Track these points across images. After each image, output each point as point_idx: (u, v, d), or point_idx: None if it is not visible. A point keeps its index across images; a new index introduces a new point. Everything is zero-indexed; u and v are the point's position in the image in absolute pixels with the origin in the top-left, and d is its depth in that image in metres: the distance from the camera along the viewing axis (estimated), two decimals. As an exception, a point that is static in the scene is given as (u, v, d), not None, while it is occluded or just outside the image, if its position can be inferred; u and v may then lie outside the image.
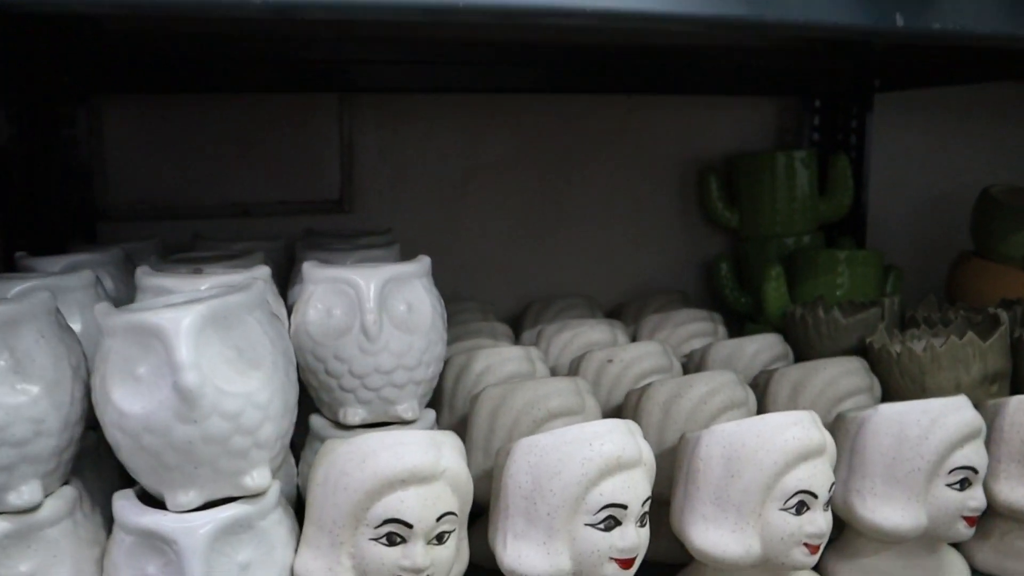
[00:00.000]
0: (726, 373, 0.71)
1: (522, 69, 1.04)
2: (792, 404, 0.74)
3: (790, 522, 0.58)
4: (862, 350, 0.84)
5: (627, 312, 1.07)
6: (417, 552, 0.52)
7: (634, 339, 0.93)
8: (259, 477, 0.52)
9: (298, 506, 0.63)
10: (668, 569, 0.66)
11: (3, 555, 0.49)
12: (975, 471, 0.64)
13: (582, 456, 0.54)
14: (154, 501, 0.52)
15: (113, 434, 0.50)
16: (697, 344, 0.91)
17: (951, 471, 0.63)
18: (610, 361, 0.78)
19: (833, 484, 0.59)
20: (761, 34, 0.96)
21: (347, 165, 1.05)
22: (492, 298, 1.07)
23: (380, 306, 0.62)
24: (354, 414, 0.64)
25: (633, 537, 0.55)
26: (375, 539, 0.52)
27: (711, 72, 1.13)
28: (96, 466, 0.60)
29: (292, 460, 0.66)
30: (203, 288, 0.58)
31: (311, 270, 0.65)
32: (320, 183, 1.05)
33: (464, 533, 0.58)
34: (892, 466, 0.64)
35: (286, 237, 0.90)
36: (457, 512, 0.55)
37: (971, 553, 0.71)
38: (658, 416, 0.68)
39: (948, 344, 0.76)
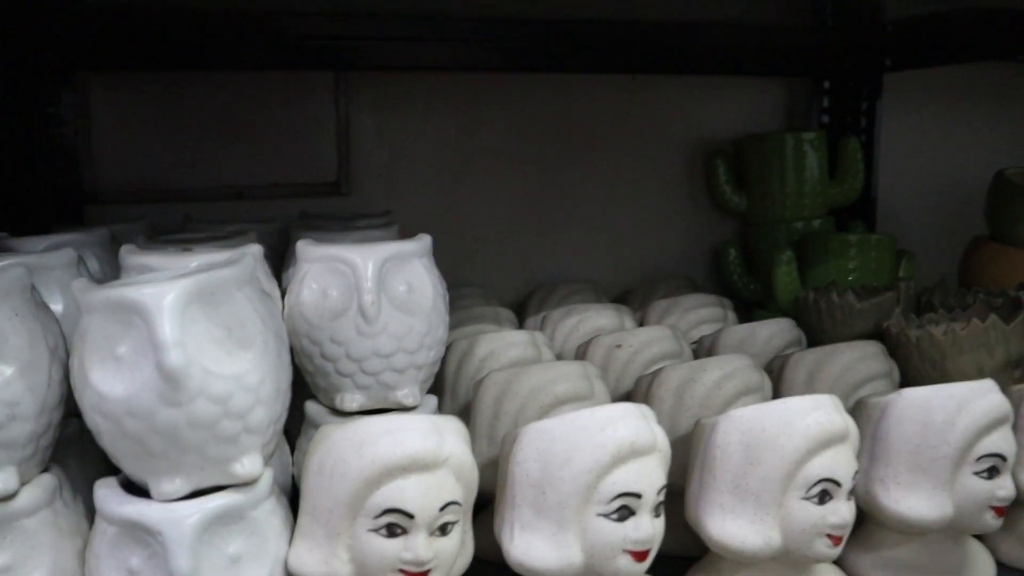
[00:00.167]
0: (741, 357, 0.68)
1: (524, 47, 1.01)
2: (809, 390, 0.71)
3: (812, 512, 0.55)
4: (877, 336, 0.81)
5: (633, 298, 1.04)
6: (419, 544, 0.49)
7: (642, 325, 0.90)
8: (250, 464, 0.49)
9: (293, 498, 0.59)
10: (680, 562, 0.63)
11: (-25, 548, 0.45)
12: (1003, 459, 0.61)
13: (594, 442, 0.51)
14: (139, 490, 0.49)
15: (93, 419, 0.47)
16: (707, 330, 0.88)
17: (979, 459, 0.60)
18: (618, 346, 0.75)
19: (857, 472, 0.56)
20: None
21: (344, 146, 1.02)
22: (494, 284, 1.04)
23: (379, 286, 0.59)
24: (352, 400, 0.61)
25: (648, 528, 0.52)
26: (374, 530, 0.49)
27: (718, 51, 1.10)
28: (80, 455, 0.57)
29: (287, 449, 0.63)
30: (192, 266, 0.55)
31: (305, 248, 0.61)
32: (316, 165, 1.02)
33: (468, 525, 0.55)
34: (917, 454, 0.60)
35: (281, 220, 0.87)
36: (461, 502, 0.51)
37: (995, 545, 0.68)
38: (671, 402, 0.65)
39: (970, 328, 0.73)
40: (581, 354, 0.77)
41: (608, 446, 0.51)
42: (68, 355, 0.50)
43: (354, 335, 0.59)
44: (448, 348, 0.72)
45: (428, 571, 0.50)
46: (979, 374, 0.73)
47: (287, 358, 0.53)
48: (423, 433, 0.50)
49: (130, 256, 0.57)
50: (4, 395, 0.45)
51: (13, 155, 0.88)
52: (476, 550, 0.56)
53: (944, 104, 1.24)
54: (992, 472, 0.61)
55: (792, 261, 1.04)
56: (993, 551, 0.67)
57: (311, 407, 0.64)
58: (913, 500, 0.60)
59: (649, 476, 0.52)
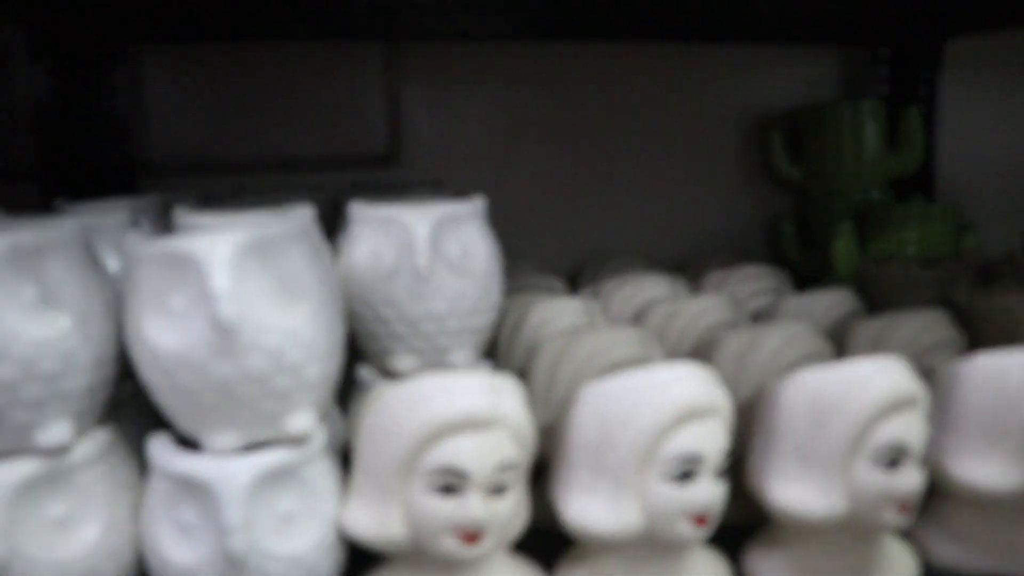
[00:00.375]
0: (802, 323, 0.66)
1: (574, 15, 0.99)
2: (874, 358, 0.69)
3: (880, 480, 0.53)
4: (942, 307, 0.78)
5: (687, 272, 1.01)
6: (473, 504, 0.48)
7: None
8: (303, 420, 0.48)
9: (345, 465, 0.59)
10: (736, 533, 0.61)
11: (33, 498, 0.45)
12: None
13: (655, 402, 0.50)
14: (193, 447, 0.48)
15: (147, 373, 0.47)
16: (764, 301, 0.85)
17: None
18: (674, 315, 0.73)
19: (927, 439, 0.54)
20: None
21: (393, 117, 1.01)
22: (545, 256, 1.02)
23: (432, 248, 0.58)
24: (404, 362, 0.60)
25: (710, 492, 0.50)
26: (428, 489, 0.48)
27: (771, 19, 1.06)
28: (136, 415, 0.57)
29: (339, 414, 0.63)
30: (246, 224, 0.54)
31: (358, 209, 0.60)
32: (366, 136, 1.01)
33: (525, 488, 0.53)
34: (992, 422, 0.58)
35: (331, 191, 0.86)
36: (518, 463, 0.50)
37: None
38: (731, 368, 0.63)
39: (1045, 295, 0.70)
40: (636, 323, 0.75)
41: (669, 407, 0.50)
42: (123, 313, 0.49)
43: (407, 296, 0.58)
44: (502, 316, 0.70)
45: (482, 533, 0.49)
46: (1053, 343, 0.70)
47: (342, 316, 0.52)
48: (479, 391, 0.49)
49: (184, 217, 0.57)
50: (60, 346, 0.45)
51: (69, 127, 0.89)
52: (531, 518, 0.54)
53: (1008, 74, 1.20)
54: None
55: (852, 233, 1.01)
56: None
57: (363, 372, 0.63)
58: (988, 470, 0.58)
59: (712, 438, 0.51)
